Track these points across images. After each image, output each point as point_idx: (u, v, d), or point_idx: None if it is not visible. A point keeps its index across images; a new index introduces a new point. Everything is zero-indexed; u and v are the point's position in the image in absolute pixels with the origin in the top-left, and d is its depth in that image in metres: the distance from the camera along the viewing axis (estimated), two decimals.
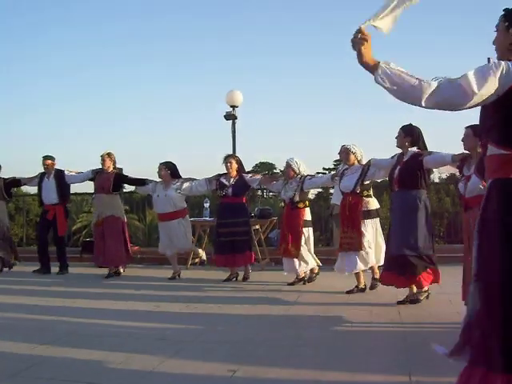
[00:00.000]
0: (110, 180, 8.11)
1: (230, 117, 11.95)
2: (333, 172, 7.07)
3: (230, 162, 7.43)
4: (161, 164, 7.88)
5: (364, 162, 6.37)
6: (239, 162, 7.54)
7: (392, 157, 5.87)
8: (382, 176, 6.37)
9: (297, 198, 6.87)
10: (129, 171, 8.42)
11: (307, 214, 7.03)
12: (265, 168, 49.67)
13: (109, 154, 8.21)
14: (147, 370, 3.49)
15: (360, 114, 71.97)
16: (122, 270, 8.33)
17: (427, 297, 5.53)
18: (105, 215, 8.12)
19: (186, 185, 7.83)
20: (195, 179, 7.93)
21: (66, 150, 54.99)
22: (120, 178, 8.28)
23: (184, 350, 3.98)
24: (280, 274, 7.19)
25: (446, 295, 5.52)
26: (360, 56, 2.81)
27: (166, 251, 7.96)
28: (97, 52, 69.35)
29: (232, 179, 7.41)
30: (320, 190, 13.14)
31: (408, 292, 5.45)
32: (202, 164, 48.33)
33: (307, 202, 7.11)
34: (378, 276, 6.20)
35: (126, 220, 8.61)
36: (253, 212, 8.83)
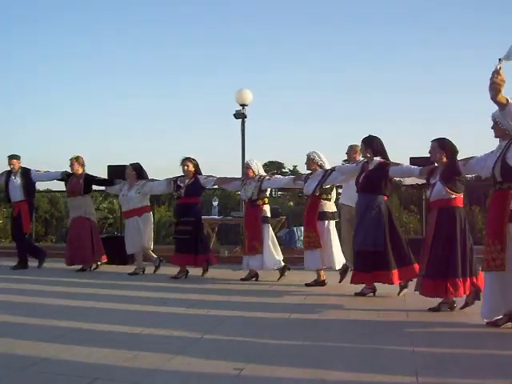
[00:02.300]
0: (80, 183, 8.46)
1: (240, 115, 11.95)
2: (295, 175, 7.62)
3: (187, 165, 7.74)
4: (129, 164, 8.29)
5: (327, 166, 6.84)
6: (196, 165, 7.82)
7: (356, 164, 6.48)
8: (344, 181, 6.93)
9: (255, 197, 7.28)
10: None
11: (267, 211, 7.42)
12: (273, 167, 49.49)
13: (77, 158, 8.53)
14: (153, 368, 3.49)
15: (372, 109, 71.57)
16: (93, 267, 8.57)
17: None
18: (73, 216, 8.54)
19: (147, 185, 8.18)
20: (157, 180, 8.30)
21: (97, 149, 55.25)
22: (89, 180, 8.56)
23: (190, 348, 3.98)
24: (288, 273, 7.21)
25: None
26: (496, 95, 3.44)
27: (129, 250, 8.35)
28: (112, 57, 69.40)
29: (187, 181, 7.75)
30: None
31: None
32: (211, 162, 48.26)
33: (266, 200, 7.48)
34: (321, 279, 6.76)
35: (95, 221, 8.91)
36: None
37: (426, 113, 69.48)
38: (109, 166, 8.95)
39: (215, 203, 9.42)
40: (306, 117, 73.43)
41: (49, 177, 9.08)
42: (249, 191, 7.33)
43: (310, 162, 6.88)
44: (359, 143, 6.43)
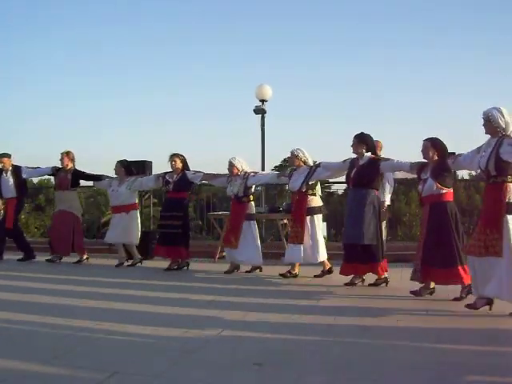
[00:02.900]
0: (68, 178, 8.73)
1: (260, 111, 11.95)
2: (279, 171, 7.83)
3: (175, 161, 7.99)
4: (117, 162, 8.58)
5: (311, 163, 7.10)
6: (183, 161, 8.06)
7: (344, 161, 6.63)
8: (328, 177, 7.28)
9: (241, 193, 7.50)
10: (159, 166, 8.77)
11: (251, 208, 7.66)
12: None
13: (67, 153, 8.79)
14: (172, 363, 3.51)
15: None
16: (84, 258, 8.82)
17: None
18: (58, 209, 8.87)
19: (137, 181, 8.49)
20: (146, 176, 8.68)
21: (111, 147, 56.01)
22: (77, 175, 8.84)
23: (210, 343, 4.00)
24: (307, 269, 7.18)
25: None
26: None
27: (112, 240, 8.64)
28: (132, 50, 69.92)
29: (175, 176, 7.99)
30: (345, 187, 13.10)
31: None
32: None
33: (251, 197, 7.71)
34: (327, 268, 7.06)
35: (80, 216, 9.08)
36: (281, 206, 8.86)
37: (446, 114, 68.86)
38: (127, 161, 8.96)
39: None
40: (326, 114, 73.05)
41: (39, 172, 9.56)
42: (235, 187, 7.56)
43: (294, 158, 7.13)
44: (380, 139, 6.51)
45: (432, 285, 5.64)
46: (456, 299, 5.32)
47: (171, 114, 73.62)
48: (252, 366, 3.43)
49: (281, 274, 7.05)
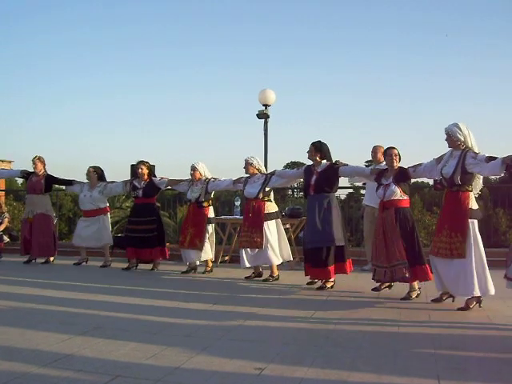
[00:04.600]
0: (41, 182, 8.99)
1: (263, 115, 11.96)
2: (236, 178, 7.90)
3: (141, 168, 8.45)
4: (91, 167, 8.96)
5: (264, 170, 7.51)
6: (149, 168, 8.55)
7: (298, 168, 7.16)
8: (282, 184, 7.53)
9: (202, 198, 7.88)
10: (166, 168, 9.10)
11: (211, 212, 8.08)
12: (296, 167, 49.41)
13: (39, 158, 9.09)
14: (175, 366, 3.51)
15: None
16: (51, 259, 9.22)
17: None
18: (36, 212, 8.99)
19: (108, 187, 8.92)
20: (116, 182, 8.99)
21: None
22: (50, 180, 9.12)
23: (212, 347, 4.00)
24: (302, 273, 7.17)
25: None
26: None
27: (80, 243, 9.00)
28: (141, 54, 70.28)
29: (143, 182, 8.47)
30: (351, 190, 13.11)
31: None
32: (234, 163, 48.57)
33: (210, 202, 8.13)
34: (276, 274, 7.32)
35: (54, 219, 9.42)
36: (283, 211, 8.85)
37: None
38: (132, 165, 9.35)
39: (237, 203, 9.45)
40: (330, 118, 73.21)
41: (6, 174, 10.80)
42: (196, 192, 7.93)
43: (249, 166, 7.42)
44: (383, 144, 6.62)
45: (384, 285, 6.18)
46: (461, 309, 5.33)
47: (173, 118, 73.80)
48: (253, 370, 3.44)
49: (246, 277, 7.48)
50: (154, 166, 9.58)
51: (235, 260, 8.67)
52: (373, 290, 6.22)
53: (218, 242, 9.02)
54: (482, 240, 5.36)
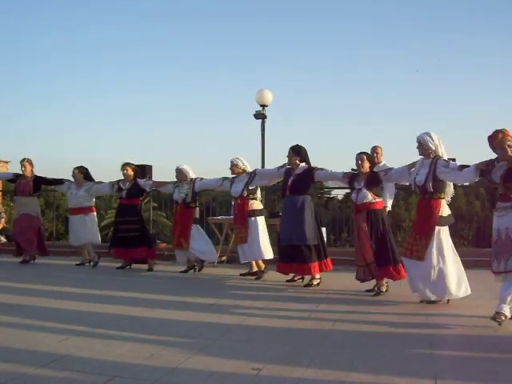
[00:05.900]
0: (29, 184, 9.03)
1: (260, 116, 11.97)
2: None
3: (126, 169, 8.58)
4: (75, 168, 8.98)
5: (249, 170, 7.64)
6: (134, 170, 8.66)
7: (278, 168, 7.25)
8: (264, 183, 7.78)
9: (189, 199, 8.00)
10: (162, 169, 9.07)
11: (197, 213, 8.22)
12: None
13: (28, 160, 9.11)
14: (172, 366, 3.51)
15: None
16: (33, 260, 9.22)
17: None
18: (22, 212, 9.04)
19: (94, 187, 8.98)
20: (103, 182, 9.04)
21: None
22: (39, 181, 9.17)
23: (209, 348, 4.00)
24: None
25: (473, 300, 5.50)
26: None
27: (74, 243, 9.05)
28: (134, 52, 69.95)
29: (128, 183, 8.58)
30: (349, 191, 13.11)
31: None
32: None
33: (197, 202, 8.26)
34: (263, 267, 7.52)
35: (41, 219, 9.45)
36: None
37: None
38: (135, 165, 9.18)
39: None
40: (330, 118, 73.15)
41: (1, 177, 11.07)
42: (182, 193, 8.03)
43: (234, 167, 7.64)
44: (381, 144, 6.75)
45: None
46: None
47: (171, 118, 73.62)
48: (251, 370, 3.44)
49: (241, 274, 7.70)
50: (150, 166, 9.74)
51: (233, 260, 8.68)
52: (366, 291, 6.26)
53: (216, 242, 9.02)
54: (480, 240, 5.41)
